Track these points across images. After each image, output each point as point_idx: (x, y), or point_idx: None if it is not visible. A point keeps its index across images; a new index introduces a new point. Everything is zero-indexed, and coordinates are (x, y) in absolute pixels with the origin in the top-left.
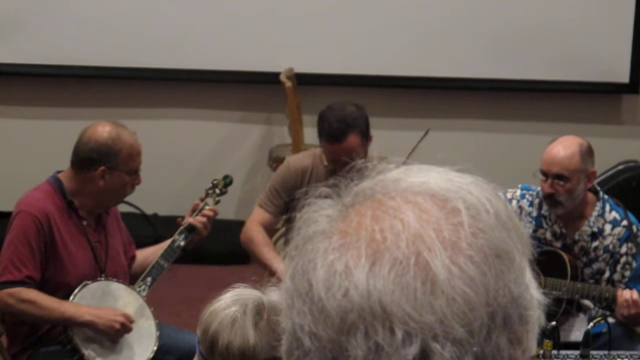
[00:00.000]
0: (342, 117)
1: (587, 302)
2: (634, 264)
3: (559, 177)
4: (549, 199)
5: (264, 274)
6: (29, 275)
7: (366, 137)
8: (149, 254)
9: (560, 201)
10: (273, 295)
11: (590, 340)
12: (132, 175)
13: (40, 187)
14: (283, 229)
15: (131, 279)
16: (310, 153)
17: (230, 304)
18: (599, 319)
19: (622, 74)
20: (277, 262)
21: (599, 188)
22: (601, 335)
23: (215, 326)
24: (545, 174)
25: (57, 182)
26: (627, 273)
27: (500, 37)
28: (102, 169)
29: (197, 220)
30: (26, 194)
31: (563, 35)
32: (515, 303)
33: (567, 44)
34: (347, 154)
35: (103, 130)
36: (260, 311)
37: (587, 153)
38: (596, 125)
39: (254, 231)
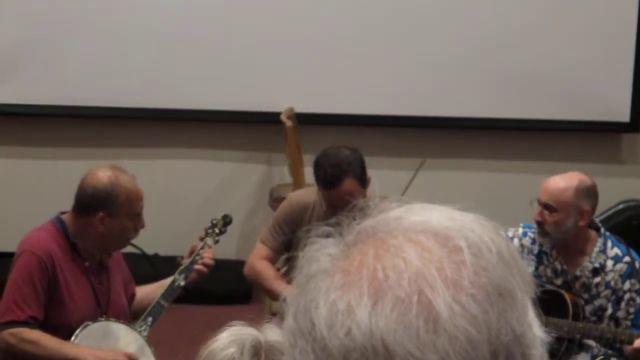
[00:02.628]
0: (336, 163)
1: (590, 341)
2: (638, 300)
3: (547, 206)
4: (538, 226)
5: (265, 311)
6: (32, 316)
7: (362, 180)
8: (148, 292)
9: (547, 231)
10: (270, 334)
11: None
12: (134, 220)
13: (43, 227)
14: (284, 269)
15: (131, 317)
16: (312, 189)
17: (228, 345)
18: (601, 357)
19: (622, 113)
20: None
21: (600, 224)
22: None
23: None
24: (538, 201)
25: (60, 223)
26: (632, 310)
27: (502, 77)
28: (101, 215)
29: (198, 266)
30: (30, 234)
31: (564, 75)
32: (517, 341)
33: (568, 84)
34: (343, 198)
35: (102, 175)
36: (257, 352)
37: (585, 191)
38: (597, 164)
39: (260, 265)
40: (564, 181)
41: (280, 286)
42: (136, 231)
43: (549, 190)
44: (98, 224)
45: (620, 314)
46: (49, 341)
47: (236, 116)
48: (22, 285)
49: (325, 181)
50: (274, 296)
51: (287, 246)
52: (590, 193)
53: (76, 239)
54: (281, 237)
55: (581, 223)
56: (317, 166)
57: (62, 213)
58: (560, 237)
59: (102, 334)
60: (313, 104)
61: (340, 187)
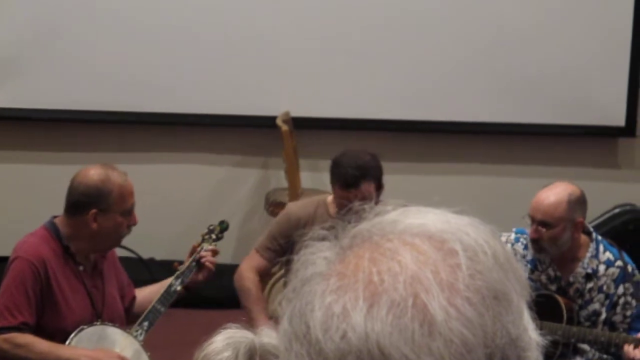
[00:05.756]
0: (358, 165)
1: (584, 345)
2: (634, 303)
3: (542, 223)
4: (534, 243)
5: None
6: (25, 322)
7: (379, 187)
8: (147, 294)
9: (544, 247)
10: (265, 338)
11: None
12: (126, 216)
13: (36, 233)
14: (281, 272)
15: (132, 319)
16: (312, 201)
17: (222, 349)
18: None
19: (618, 118)
20: (261, 322)
21: (592, 229)
22: None
23: None
24: (531, 218)
25: (53, 227)
26: (628, 313)
27: (499, 83)
28: (94, 212)
29: (203, 256)
30: (23, 240)
31: (560, 80)
32: (513, 344)
33: (564, 89)
34: (359, 200)
35: (92, 173)
36: (252, 355)
37: (576, 202)
38: (593, 169)
39: (249, 281)
40: (554, 196)
41: (256, 312)
42: (129, 227)
43: (541, 208)
44: (91, 221)
45: (617, 318)
46: (42, 344)
47: (232, 120)
48: (14, 291)
49: (345, 181)
50: (249, 318)
51: (283, 253)
52: (580, 202)
53: (69, 242)
54: (276, 248)
55: (576, 235)
56: (337, 165)
57: (55, 217)
58: (557, 252)
59: (97, 339)
60: (309, 108)
61: (359, 189)
